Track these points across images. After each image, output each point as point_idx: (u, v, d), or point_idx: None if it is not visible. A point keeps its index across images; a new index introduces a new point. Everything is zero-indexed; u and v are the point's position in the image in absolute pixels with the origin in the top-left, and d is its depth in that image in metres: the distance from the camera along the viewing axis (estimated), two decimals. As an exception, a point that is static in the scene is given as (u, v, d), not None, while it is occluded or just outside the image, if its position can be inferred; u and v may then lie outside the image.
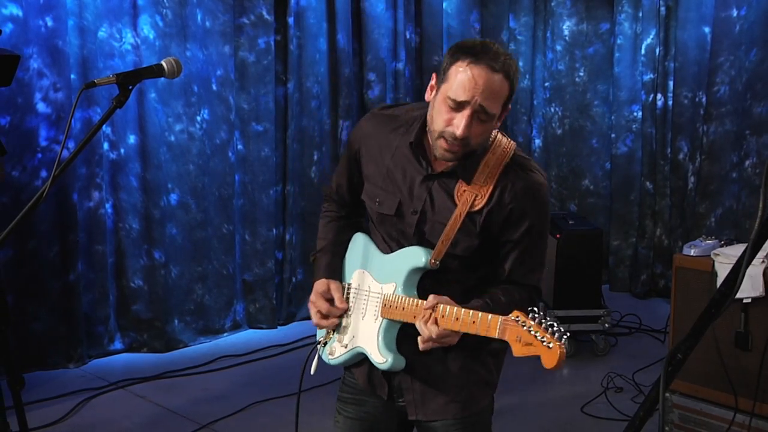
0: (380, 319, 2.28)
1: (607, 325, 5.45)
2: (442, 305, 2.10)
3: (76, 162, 5.09)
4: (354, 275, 2.42)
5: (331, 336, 2.41)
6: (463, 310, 2.08)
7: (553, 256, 5.50)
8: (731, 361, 3.67)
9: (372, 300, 2.32)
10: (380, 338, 2.28)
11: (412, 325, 2.18)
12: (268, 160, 6.14)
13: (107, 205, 5.52)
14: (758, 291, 3.59)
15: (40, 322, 5.16)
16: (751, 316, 3.64)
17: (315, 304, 2.39)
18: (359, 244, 2.45)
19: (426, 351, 2.18)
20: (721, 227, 6.14)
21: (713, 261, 3.79)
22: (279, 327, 6.25)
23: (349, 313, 2.39)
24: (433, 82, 2.19)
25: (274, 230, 6.24)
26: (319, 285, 2.41)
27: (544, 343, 1.91)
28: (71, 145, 5.14)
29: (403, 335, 2.28)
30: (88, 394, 4.84)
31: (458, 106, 2.08)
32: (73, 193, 5.22)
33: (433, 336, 2.09)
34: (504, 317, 2.00)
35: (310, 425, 4.27)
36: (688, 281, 3.92)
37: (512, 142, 2.27)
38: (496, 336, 2.00)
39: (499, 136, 2.26)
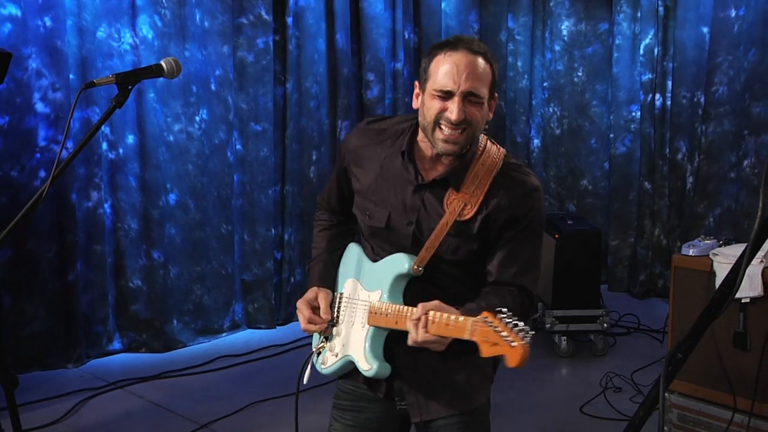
0: (367, 326, 2.28)
1: (605, 325, 5.45)
2: (432, 312, 2.07)
3: (74, 162, 5.08)
4: (346, 284, 2.43)
5: (324, 346, 2.42)
6: (446, 315, 2.06)
7: (551, 257, 5.50)
8: (730, 361, 3.68)
9: (360, 308, 2.33)
10: (367, 345, 2.28)
11: (403, 331, 2.18)
12: (266, 160, 6.14)
13: (106, 205, 5.51)
14: (757, 291, 3.59)
15: (39, 322, 5.16)
16: (750, 316, 3.64)
17: (300, 310, 2.40)
18: (353, 254, 2.46)
19: (425, 355, 2.20)
20: (720, 227, 6.14)
21: (712, 261, 3.79)
22: (278, 327, 6.24)
23: (341, 322, 2.39)
24: (417, 89, 2.22)
25: (273, 230, 6.24)
26: (309, 293, 2.42)
27: (508, 342, 1.91)
28: (70, 145, 5.14)
29: (398, 337, 2.26)
30: (86, 394, 4.84)
31: (447, 95, 2.11)
32: (72, 193, 5.21)
33: (418, 341, 2.08)
34: (474, 318, 1.99)
35: (309, 424, 4.28)
36: (686, 281, 3.93)
37: (501, 149, 2.28)
38: (467, 337, 1.99)
39: (489, 144, 2.27)
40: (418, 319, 2.07)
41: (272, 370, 5.27)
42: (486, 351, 1.95)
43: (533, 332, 1.93)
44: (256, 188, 6.14)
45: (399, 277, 2.25)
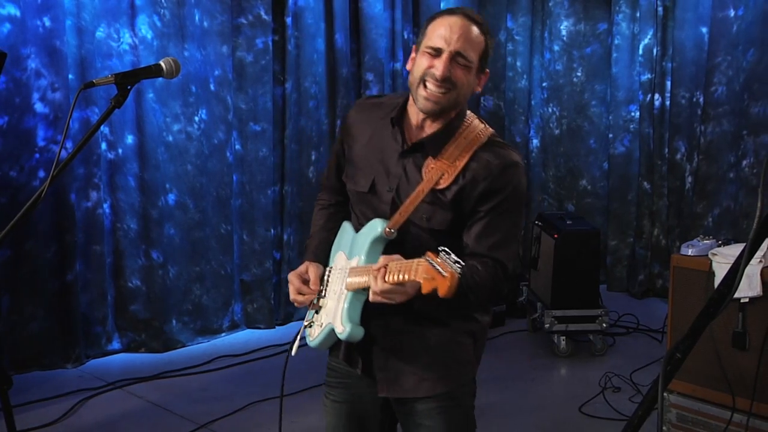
0: (345, 291, 2.30)
1: (604, 325, 5.45)
2: (391, 263, 2.08)
3: (73, 162, 5.08)
4: (336, 258, 2.46)
5: (313, 320, 2.44)
6: (401, 262, 2.06)
7: (551, 256, 5.51)
8: (729, 361, 3.68)
9: (342, 276, 2.36)
10: (345, 307, 2.28)
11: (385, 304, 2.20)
12: (265, 160, 6.14)
13: (105, 205, 5.51)
14: (756, 291, 3.59)
15: (38, 322, 5.15)
16: (749, 316, 3.65)
17: (290, 282, 2.43)
18: (345, 229, 2.50)
19: (399, 331, 2.28)
20: (719, 227, 6.15)
21: (711, 261, 3.79)
22: (277, 327, 6.25)
23: (328, 294, 2.41)
24: (413, 53, 2.29)
25: (272, 230, 6.24)
26: (301, 266, 2.46)
27: (440, 273, 1.92)
28: (69, 145, 5.14)
29: (376, 313, 2.28)
30: (85, 394, 4.83)
31: (437, 52, 2.18)
32: (71, 193, 5.21)
33: (377, 290, 2.06)
34: (419, 259, 1.98)
35: (308, 424, 4.28)
36: (685, 281, 3.93)
37: (489, 128, 2.33)
38: (414, 277, 1.98)
39: (476, 121, 2.31)
40: (378, 270, 2.07)
41: (271, 370, 5.27)
42: (425, 287, 1.94)
43: (462, 264, 1.94)
44: (255, 188, 6.14)
45: (375, 242, 2.26)
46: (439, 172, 2.22)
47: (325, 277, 2.45)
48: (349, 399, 2.47)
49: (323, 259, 2.49)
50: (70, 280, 5.24)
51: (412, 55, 2.29)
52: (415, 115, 2.30)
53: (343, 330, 2.26)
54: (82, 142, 2.16)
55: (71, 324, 5.26)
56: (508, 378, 5.06)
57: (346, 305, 2.27)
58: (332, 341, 2.40)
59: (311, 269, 2.44)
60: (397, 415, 2.45)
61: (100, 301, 5.50)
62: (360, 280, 2.22)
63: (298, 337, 2.47)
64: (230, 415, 4.55)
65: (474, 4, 7.16)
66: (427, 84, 2.19)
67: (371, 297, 2.10)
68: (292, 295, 2.43)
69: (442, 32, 2.18)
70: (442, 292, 1.90)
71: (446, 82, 2.17)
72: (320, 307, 2.41)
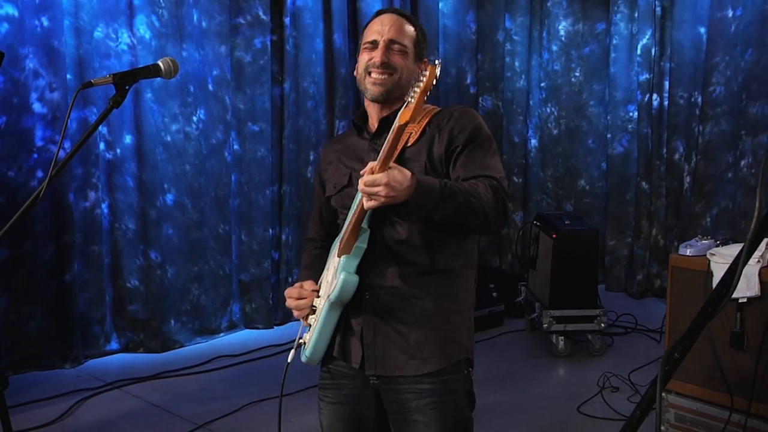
0: (337, 260, 2.32)
1: (603, 324, 5.45)
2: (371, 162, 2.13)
3: (71, 162, 5.08)
4: (327, 264, 2.47)
5: (305, 337, 2.43)
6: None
7: (549, 256, 5.51)
8: (727, 361, 3.68)
9: (333, 258, 2.38)
10: (336, 272, 2.29)
11: (375, 287, 2.27)
12: (264, 160, 6.14)
13: (103, 206, 5.51)
14: (754, 291, 3.59)
15: (36, 322, 5.15)
16: (747, 316, 3.64)
17: (288, 295, 2.48)
18: (333, 245, 2.50)
19: (388, 309, 2.30)
20: (717, 227, 6.16)
21: (709, 261, 3.79)
22: (275, 327, 6.25)
23: (320, 297, 2.41)
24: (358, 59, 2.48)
25: (270, 230, 6.24)
26: (295, 285, 2.51)
27: (420, 80, 2.03)
28: (67, 145, 5.14)
29: (369, 295, 2.31)
30: (84, 394, 4.83)
31: (373, 44, 2.40)
32: (69, 193, 5.21)
33: (367, 182, 2.06)
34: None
35: (308, 424, 4.28)
36: (683, 281, 3.93)
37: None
38: (397, 123, 2.05)
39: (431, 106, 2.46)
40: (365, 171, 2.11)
41: (270, 371, 5.27)
42: (418, 100, 2.03)
43: (440, 60, 2.08)
44: (254, 188, 6.15)
45: (360, 208, 2.25)
46: (406, 134, 2.31)
47: (319, 287, 2.46)
48: (344, 400, 2.46)
49: (315, 280, 2.53)
50: (68, 280, 5.24)
51: (357, 64, 2.47)
52: (372, 110, 2.48)
53: (336, 281, 2.25)
54: (80, 142, 2.16)
55: (69, 324, 5.26)
56: (506, 378, 5.06)
57: (341, 268, 2.27)
58: (326, 340, 2.38)
59: (304, 283, 2.48)
60: (388, 414, 2.45)
61: (98, 301, 5.50)
62: (350, 225, 2.25)
63: (294, 348, 2.46)
64: (228, 416, 4.54)
65: (472, 5, 7.17)
66: (371, 72, 2.39)
67: (364, 202, 2.12)
68: (293, 304, 2.46)
69: (375, 28, 2.42)
70: (423, 86, 2.01)
71: (387, 66, 2.37)
72: (311, 325, 2.41)
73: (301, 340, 2.46)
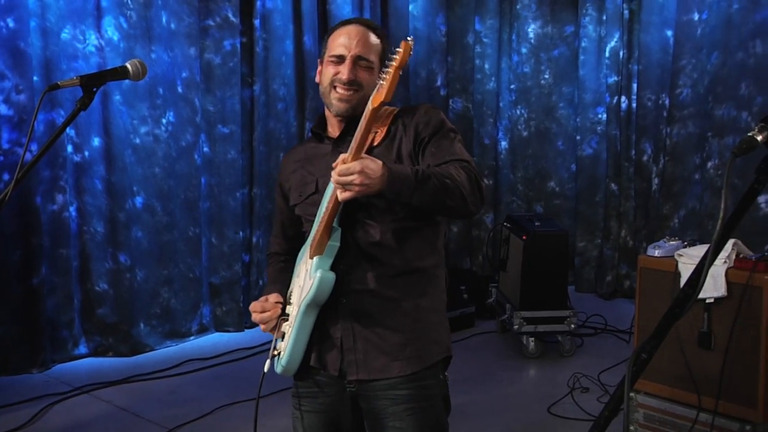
0: (309, 261, 2.30)
1: (573, 325, 5.49)
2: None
3: (39, 165, 5.03)
4: (296, 272, 2.45)
5: (279, 347, 2.41)
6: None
7: (519, 258, 5.53)
8: (695, 361, 3.72)
9: (304, 262, 2.36)
10: (309, 273, 2.27)
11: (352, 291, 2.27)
12: (234, 162, 6.12)
13: (71, 209, 5.46)
14: (721, 291, 3.63)
15: (3, 326, 5.09)
16: (714, 316, 3.68)
17: (250, 307, 2.45)
18: (300, 254, 2.48)
19: (367, 312, 2.30)
20: (685, 228, 6.22)
21: (677, 262, 3.83)
22: (246, 330, 6.22)
23: (292, 304, 2.39)
24: (319, 67, 2.46)
25: (241, 233, 6.22)
26: (260, 299, 2.47)
27: (394, 58, 2.05)
28: (34, 147, 5.08)
29: (346, 300, 2.29)
30: (52, 399, 4.78)
31: (339, 59, 2.36)
32: (36, 196, 5.16)
33: (339, 172, 2.07)
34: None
35: (277, 428, 4.27)
36: (652, 282, 3.96)
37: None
38: (370, 107, 2.08)
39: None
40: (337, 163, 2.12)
41: (241, 374, 5.25)
42: (389, 83, 2.05)
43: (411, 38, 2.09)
44: (224, 191, 6.12)
45: (332, 204, 2.24)
46: (371, 137, 2.32)
47: (288, 296, 2.44)
48: (320, 408, 2.45)
49: (283, 293, 2.49)
50: (36, 284, 5.18)
51: (319, 68, 2.45)
52: (333, 120, 2.46)
53: (311, 282, 2.24)
54: (47, 145, 2.14)
55: (37, 328, 5.20)
56: (477, 379, 5.07)
57: (313, 268, 2.26)
58: (301, 347, 2.35)
59: (268, 296, 2.45)
60: (365, 421, 2.44)
61: (66, 305, 5.45)
62: (323, 220, 2.23)
63: (269, 358, 2.44)
64: (199, 419, 4.52)
65: (442, 8, 7.19)
66: (337, 88, 2.36)
67: (339, 195, 2.11)
68: (257, 318, 2.42)
69: (341, 41, 2.37)
70: (403, 57, 2.04)
71: (353, 84, 2.35)
72: (284, 333, 2.39)
73: (275, 351, 2.41)
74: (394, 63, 2.05)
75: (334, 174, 2.08)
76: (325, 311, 2.31)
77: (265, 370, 2.44)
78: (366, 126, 2.09)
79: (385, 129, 2.35)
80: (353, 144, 2.09)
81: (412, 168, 2.16)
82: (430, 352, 2.38)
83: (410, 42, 2.06)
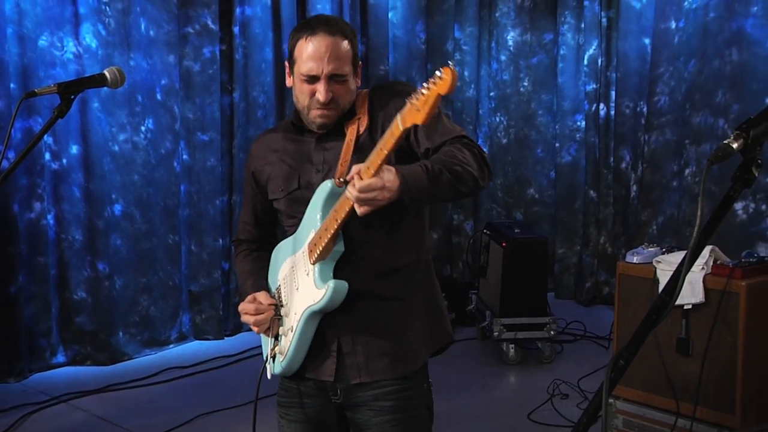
0: (310, 267, 2.27)
1: (552, 332, 5.50)
2: (360, 165, 2.08)
3: (16, 172, 4.99)
4: (281, 272, 2.43)
5: (276, 347, 2.39)
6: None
7: (499, 265, 5.54)
8: (673, 367, 3.74)
9: (300, 265, 2.33)
10: (315, 280, 2.24)
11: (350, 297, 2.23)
12: (214, 169, 6.10)
13: (49, 216, 5.42)
14: (698, 297, 3.66)
15: (-20, 336, 5.05)
16: (692, 322, 3.71)
17: (244, 311, 2.42)
18: (280, 248, 2.47)
19: (363, 313, 2.28)
20: (663, 235, 6.25)
21: (655, 268, 3.85)
22: (226, 338, 6.20)
23: (285, 303, 2.38)
24: (287, 69, 2.38)
25: (221, 240, 6.20)
26: (248, 298, 2.44)
27: (434, 82, 1.91)
28: (11, 155, 5.04)
29: (346, 302, 2.26)
30: (29, 408, 4.74)
31: (312, 79, 2.27)
32: (14, 204, 5.12)
33: (358, 188, 2.03)
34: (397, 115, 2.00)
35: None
36: (630, 288, 3.98)
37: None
38: (401, 127, 1.98)
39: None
40: (353, 176, 2.07)
41: (220, 382, 5.22)
42: (424, 105, 1.93)
43: (452, 64, 1.92)
44: (203, 198, 6.10)
45: (328, 199, 2.24)
46: (355, 125, 2.31)
47: (276, 295, 2.43)
48: (306, 418, 2.43)
49: (265, 289, 2.48)
50: (13, 292, 5.14)
51: (289, 76, 2.37)
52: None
53: (323, 295, 2.20)
54: (24, 152, 2.13)
55: (14, 337, 5.16)
56: (457, 385, 5.07)
57: (316, 277, 2.23)
58: (303, 351, 2.33)
59: (258, 296, 2.43)
60: (351, 431, 2.45)
61: (44, 313, 5.40)
62: (329, 227, 2.19)
63: (266, 367, 2.42)
64: (178, 428, 4.49)
65: (422, 15, 7.20)
66: (315, 108, 2.29)
67: (358, 209, 2.06)
68: (251, 320, 2.39)
69: (311, 57, 2.25)
70: (445, 89, 1.90)
71: (331, 102, 2.28)
72: (280, 325, 2.37)
73: (275, 350, 2.39)
74: (435, 88, 1.91)
75: (353, 190, 2.04)
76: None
77: (269, 376, 2.42)
78: (393, 145, 2.01)
79: (366, 114, 2.32)
80: (374, 158, 2.03)
81: (421, 166, 2.11)
82: (434, 341, 2.43)
83: (453, 68, 1.89)
